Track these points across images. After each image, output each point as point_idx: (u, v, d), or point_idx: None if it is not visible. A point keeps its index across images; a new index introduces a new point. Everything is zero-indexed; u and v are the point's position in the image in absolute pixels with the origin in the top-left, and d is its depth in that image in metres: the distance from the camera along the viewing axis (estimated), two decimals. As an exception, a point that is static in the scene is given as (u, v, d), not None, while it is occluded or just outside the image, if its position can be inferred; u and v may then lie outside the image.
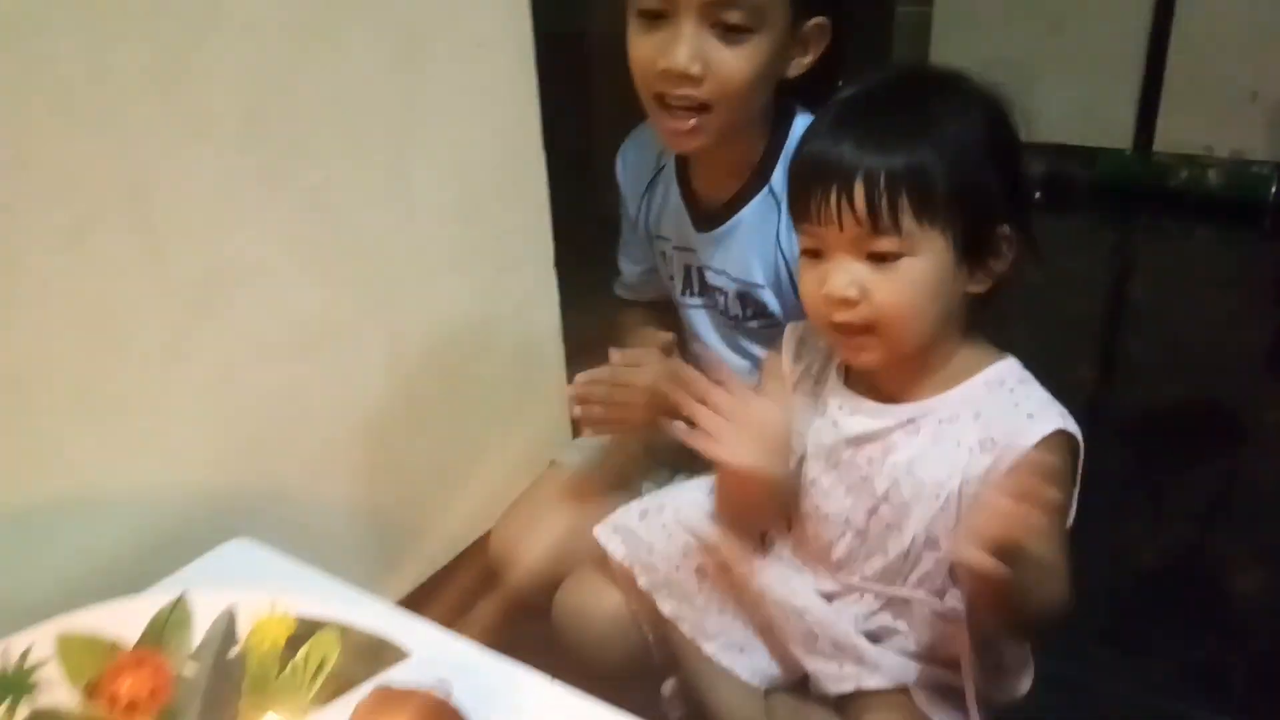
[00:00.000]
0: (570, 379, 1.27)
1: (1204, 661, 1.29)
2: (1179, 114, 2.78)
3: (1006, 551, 0.65)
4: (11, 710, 0.58)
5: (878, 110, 0.82)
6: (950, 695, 0.88)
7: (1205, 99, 2.72)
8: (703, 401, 0.84)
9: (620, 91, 1.01)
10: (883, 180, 0.75)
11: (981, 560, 0.65)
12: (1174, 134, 2.80)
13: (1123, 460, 1.76)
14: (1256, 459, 1.76)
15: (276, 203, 0.92)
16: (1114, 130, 2.86)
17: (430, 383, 1.15)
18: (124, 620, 0.62)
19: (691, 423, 0.85)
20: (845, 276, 0.78)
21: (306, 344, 0.99)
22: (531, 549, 1.10)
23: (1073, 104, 2.83)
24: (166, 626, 0.64)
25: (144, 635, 0.63)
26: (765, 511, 0.92)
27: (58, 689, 0.60)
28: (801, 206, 0.80)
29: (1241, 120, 2.70)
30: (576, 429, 1.30)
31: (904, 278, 0.77)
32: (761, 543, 0.93)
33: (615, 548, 0.95)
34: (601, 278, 1.25)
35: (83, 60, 0.74)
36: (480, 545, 1.17)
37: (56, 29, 0.72)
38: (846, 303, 0.78)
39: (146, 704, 0.63)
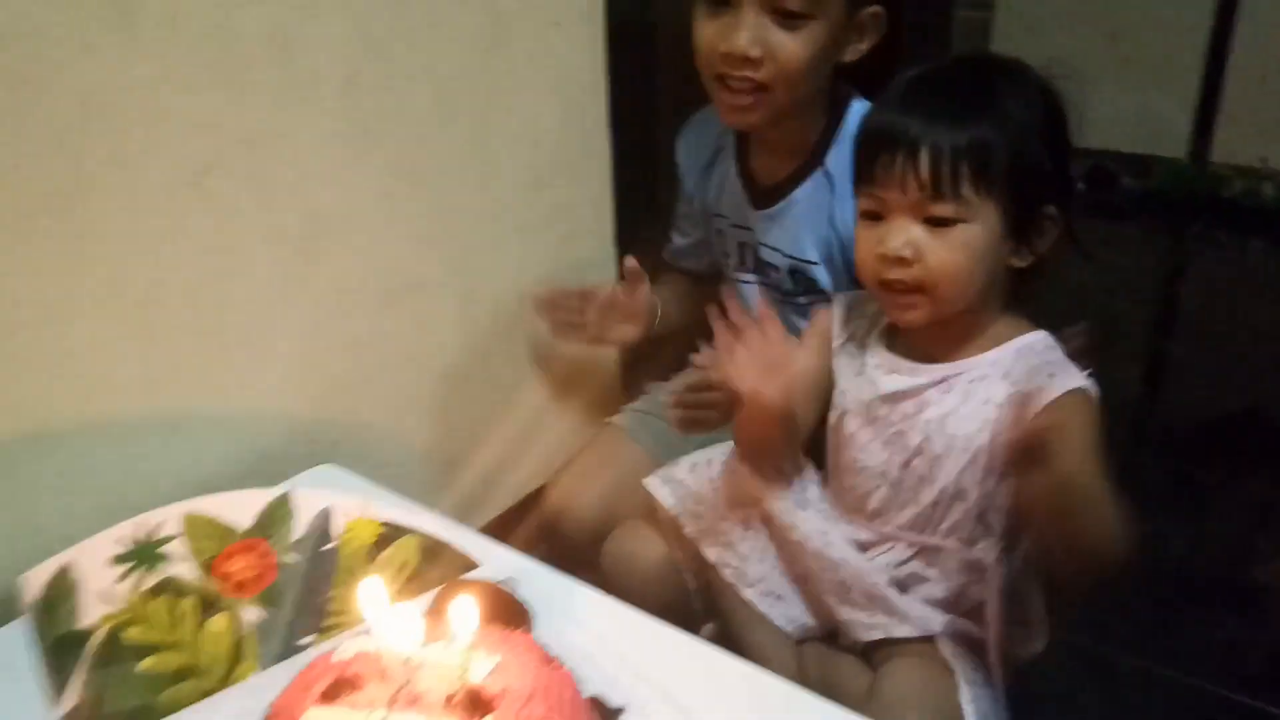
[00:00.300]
0: (622, 349, 1.37)
1: (1223, 641, 1.33)
2: (1235, 126, 2.77)
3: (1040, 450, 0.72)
4: (140, 575, 0.67)
5: (945, 88, 0.87)
6: (973, 646, 0.92)
7: (1262, 111, 2.71)
8: (739, 339, 0.89)
9: (684, 77, 1.08)
10: (948, 151, 0.81)
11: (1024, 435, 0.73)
12: (1230, 145, 2.79)
13: (1163, 459, 1.80)
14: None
15: (370, 162, 1.01)
16: (1170, 139, 2.86)
17: (498, 341, 1.24)
18: (240, 509, 0.71)
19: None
20: (902, 237, 0.84)
21: (390, 295, 1.07)
22: (585, 502, 1.17)
23: (1130, 112, 2.83)
24: (274, 519, 0.72)
25: (254, 525, 0.72)
26: (777, 449, 0.96)
27: (181, 563, 0.69)
28: (867, 170, 0.86)
29: (1298, 133, 2.69)
30: (628, 394, 1.38)
31: (957, 242, 0.83)
32: (778, 481, 0.97)
33: (665, 497, 1.02)
34: (658, 249, 1.33)
35: (211, 22, 0.84)
36: (537, 496, 1.24)
37: (191, -5, 0.82)
38: (902, 262, 0.84)
39: (253, 585, 0.72)
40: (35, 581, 0.61)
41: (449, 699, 0.56)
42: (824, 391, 0.98)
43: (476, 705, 0.56)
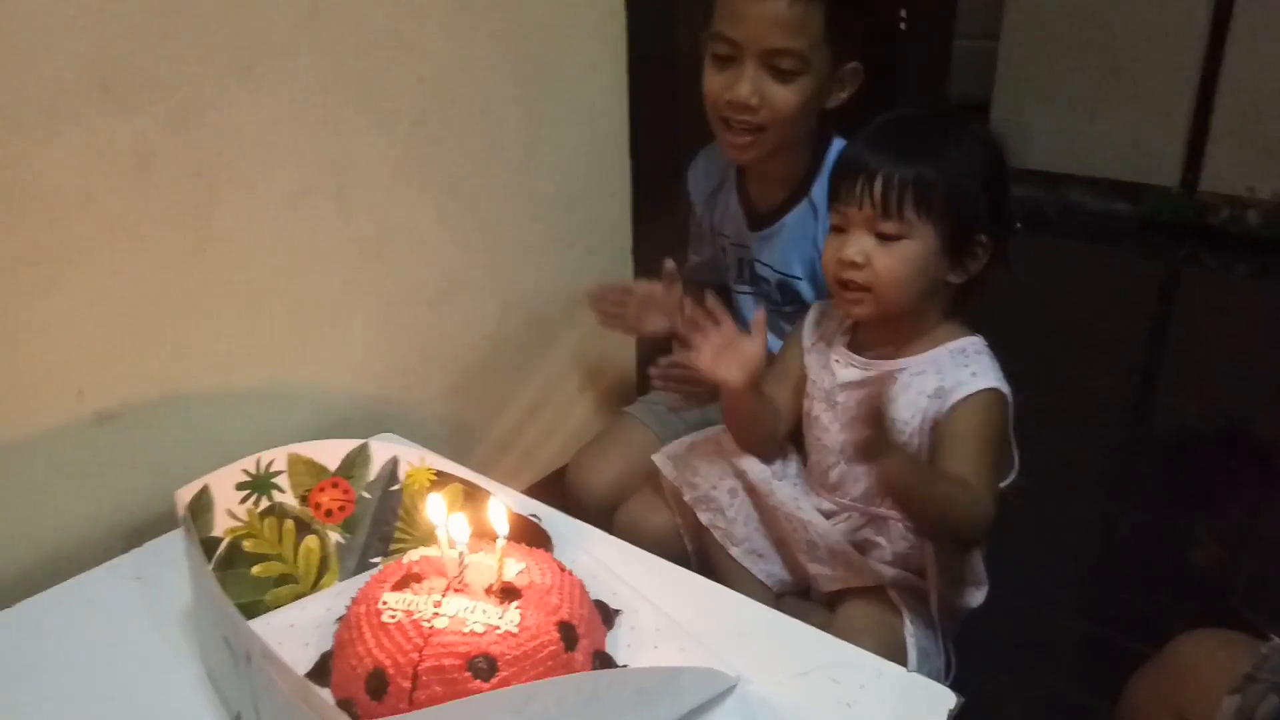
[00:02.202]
0: (638, 348, 1.54)
1: (1151, 612, 1.49)
2: (1224, 156, 2.89)
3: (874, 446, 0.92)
4: (257, 500, 0.88)
5: (904, 132, 1.05)
6: (919, 597, 1.08)
7: (1249, 143, 2.83)
8: (702, 333, 1.08)
9: (696, 114, 1.25)
10: (896, 180, 0.99)
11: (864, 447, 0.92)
12: (1218, 174, 2.91)
13: (1153, 467, 1.97)
14: (1252, 466, 1.95)
15: (430, 183, 1.20)
16: (1162, 168, 2.98)
17: (530, 338, 1.40)
18: (330, 453, 0.91)
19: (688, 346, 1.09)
20: (856, 246, 1.02)
21: (442, 294, 1.25)
22: (601, 478, 1.34)
23: (1124, 141, 2.96)
24: (355, 463, 0.92)
25: (340, 466, 0.92)
26: (755, 428, 1.14)
27: (284, 494, 0.89)
28: (836, 192, 1.04)
29: (1283, 164, 2.80)
30: (642, 387, 1.56)
31: (899, 254, 1.01)
32: (759, 451, 1.15)
33: (668, 470, 1.19)
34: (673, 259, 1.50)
35: (314, 74, 1.04)
36: (560, 474, 1.42)
37: (298, 53, 1.03)
38: (854, 265, 1.02)
39: (337, 514, 0.91)
40: (184, 496, 0.82)
41: (488, 589, 0.73)
42: (802, 386, 1.16)
43: (508, 594, 0.73)
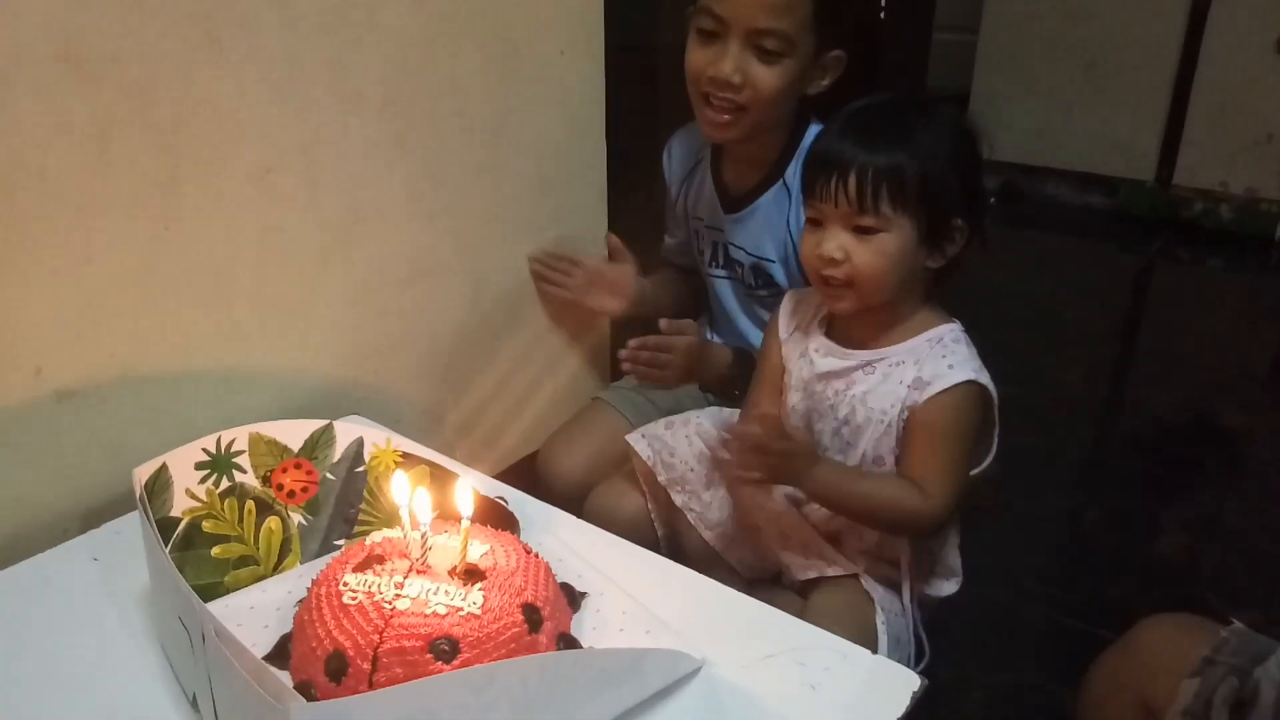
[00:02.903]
0: (612, 333, 1.54)
1: (1117, 599, 1.51)
2: (1198, 151, 2.93)
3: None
4: (217, 481, 0.86)
5: (872, 121, 1.04)
6: (891, 585, 1.10)
7: (1223, 139, 2.87)
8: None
9: (673, 97, 1.24)
10: (870, 173, 0.98)
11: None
12: (1192, 169, 2.95)
13: (1114, 456, 1.99)
14: (1220, 457, 1.98)
15: (401, 165, 1.18)
16: (1138, 163, 3.02)
17: (501, 322, 1.40)
18: (293, 433, 0.90)
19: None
20: (835, 242, 1.01)
21: (412, 276, 1.24)
22: (571, 463, 1.35)
23: (1101, 136, 3.00)
24: (319, 444, 0.91)
25: (303, 447, 0.91)
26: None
27: (246, 475, 0.88)
28: (810, 187, 1.03)
29: (1255, 160, 2.85)
30: (615, 373, 1.55)
31: (877, 248, 1.00)
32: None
33: (643, 449, 1.19)
34: (646, 247, 1.50)
35: (281, 51, 1.02)
36: (530, 459, 1.42)
37: (265, 28, 1.01)
38: (834, 262, 1.01)
39: (300, 495, 0.90)
40: (142, 474, 0.80)
41: (451, 571, 0.72)
42: (781, 378, 1.15)
43: (472, 576, 0.72)
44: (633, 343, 1.24)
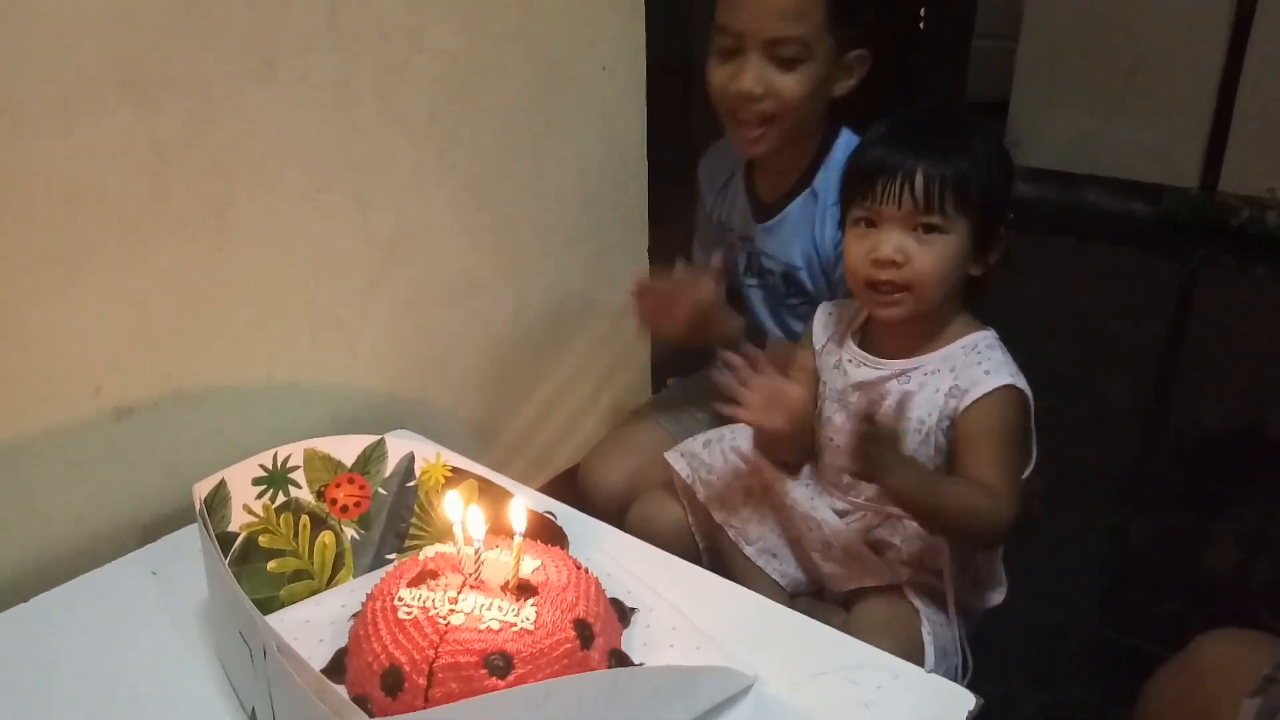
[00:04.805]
0: (652, 350, 1.54)
1: (1166, 615, 1.49)
2: (1244, 157, 2.88)
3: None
4: (273, 496, 0.88)
5: (927, 128, 1.06)
6: (935, 595, 1.08)
7: (1270, 144, 2.82)
8: (744, 384, 1.08)
9: (712, 113, 1.24)
10: (937, 177, 0.99)
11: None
12: (1238, 176, 2.90)
13: (1161, 468, 1.96)
14: (1268, 469, 1.94)
15: (447, 182, 1.20)
16: (1181, 169, 2.97)
17: (545, 336, 1.41)
18: (346, 449, 0.91)
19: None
20: (892, 245, 1.01)
21: (458, 293, 1.26)
22: (613, 476, 1.35)
23: (1145, 142, 2.95)
24: (371, 459, 0.93)
25: (356, 462, 0.92)
26: (789, 450, 1.15)
27: (300, 490, 0.90)
28: (863, 188, 1.02)
29: (1302, 166, 2.79)
30: (656, 386, 1.56)
31: (938, 250, 1.00)
32: (793, 471, 1.18)
33: (681, 467, 1.19)
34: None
35: (331, 74, 1.05)
36: (571, 472, 1.43)
37: (316, 51, 1.03)
38: (893, 264, 1.01)
39: (353, 510, 0.92)
40: (202, 490, 0.82)
41: (504, 586, 0.73)
42: (815, 380, 1.15)
43: (524, 591, 0.73)
44: (645, 278, 1.24)
